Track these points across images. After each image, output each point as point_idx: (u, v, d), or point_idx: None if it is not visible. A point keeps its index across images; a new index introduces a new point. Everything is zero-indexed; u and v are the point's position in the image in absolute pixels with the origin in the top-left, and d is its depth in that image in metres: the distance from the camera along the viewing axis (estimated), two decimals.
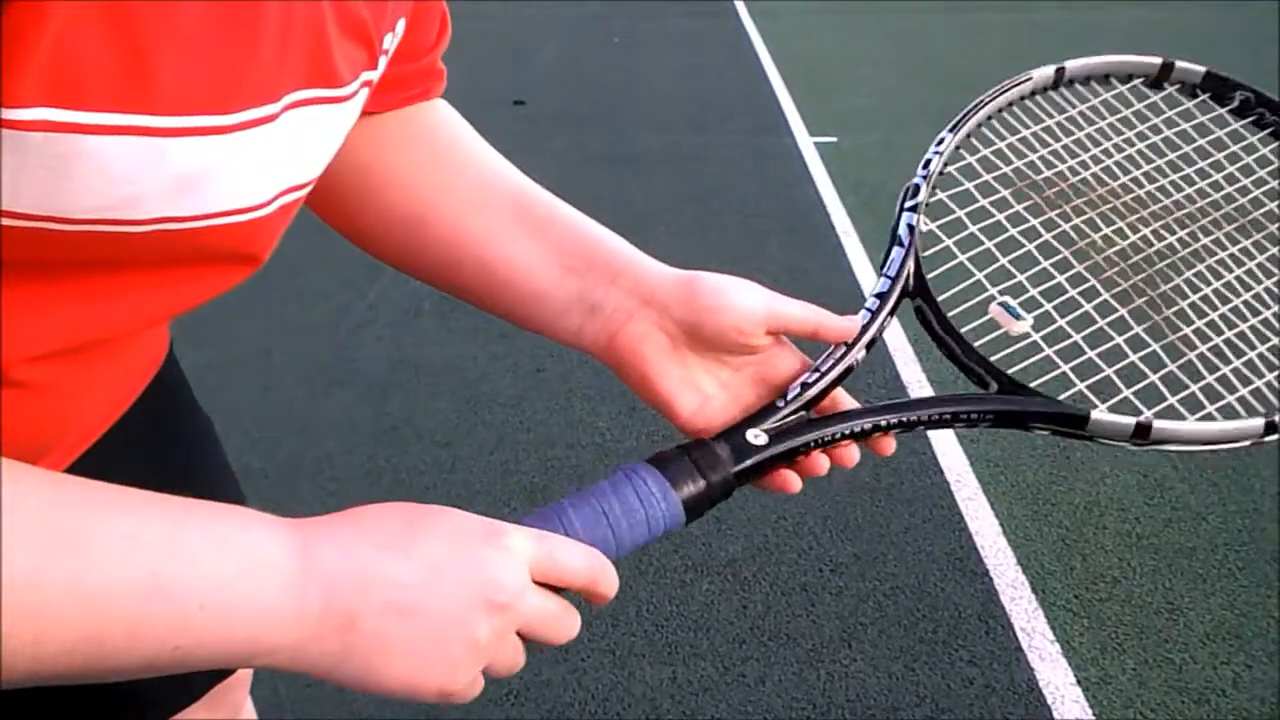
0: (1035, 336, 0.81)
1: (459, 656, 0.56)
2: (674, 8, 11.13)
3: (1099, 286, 0.90)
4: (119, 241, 0.51)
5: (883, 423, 0.72)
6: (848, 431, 0.71)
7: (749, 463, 0.69)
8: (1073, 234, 0.93)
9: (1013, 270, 0.88)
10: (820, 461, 0.73)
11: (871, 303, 0.78)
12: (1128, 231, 0.92)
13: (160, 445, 0.85)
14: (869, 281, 4.06)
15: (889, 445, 0.74)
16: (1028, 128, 0.94)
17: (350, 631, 0.54)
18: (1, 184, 0.46)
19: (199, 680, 0.94)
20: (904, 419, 0.72)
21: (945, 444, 2.96)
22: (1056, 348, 0.84)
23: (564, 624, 0.60)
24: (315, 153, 0.60)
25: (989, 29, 9.58)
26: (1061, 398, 0.77)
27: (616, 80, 7.93)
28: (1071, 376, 0.83)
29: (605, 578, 0.62)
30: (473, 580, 0.56)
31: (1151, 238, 0.92)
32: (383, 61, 0.65)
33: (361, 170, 0.76)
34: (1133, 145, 0.97)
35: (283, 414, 3.18)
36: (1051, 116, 0.95)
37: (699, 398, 0.73)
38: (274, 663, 0.53)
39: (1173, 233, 0.92)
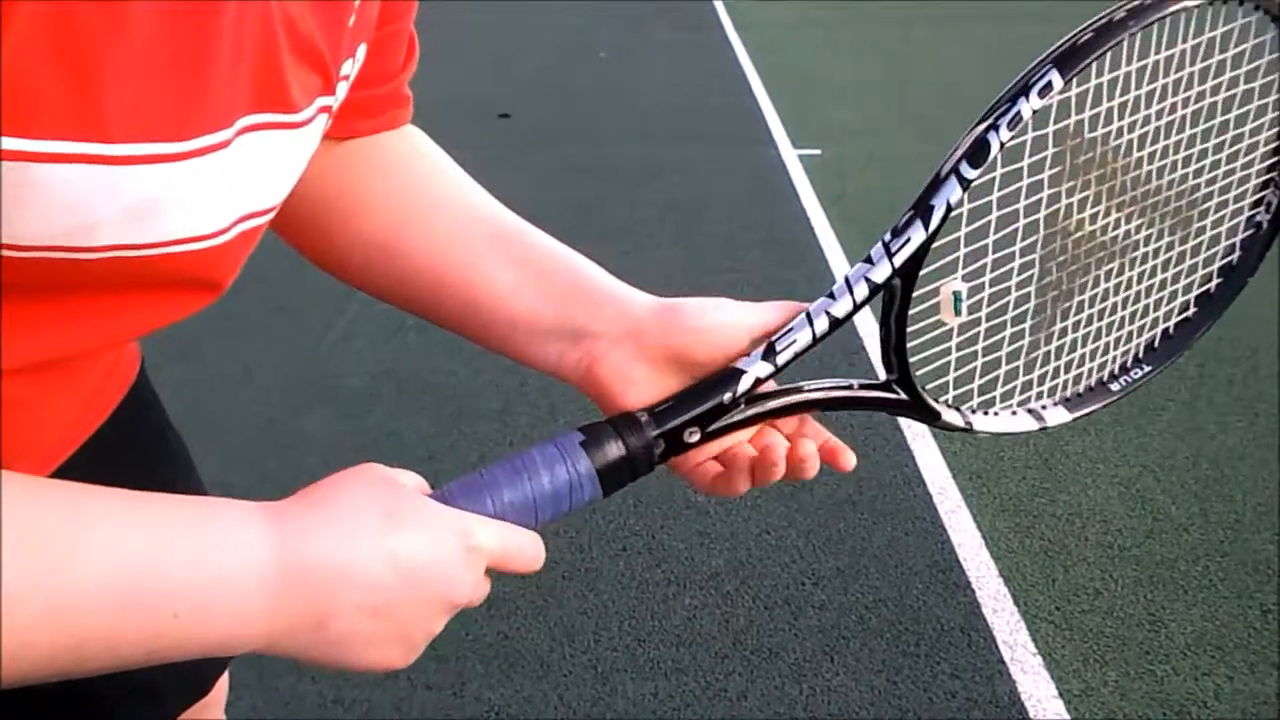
0: (954, 325, 0.78)
1: (414, 643, 0.60)
2: (659, 21, 11.16)
3: (1035, 276, 0.84)
4: (74, 268, 0.51)
5: (784, 404, 0.72)
6: (748, 415, 0.71)
7: (673, 449, 0.70)
8: (1063, 214, 0.84)
9: (988, 250, 0.79)
10: (736, 450, 0.72)
11: (858, 279, 0.72)
12: (1106, 215, 0.85)
13: (131, 466, 0.84)
14: None
15: (848, 459, 0.74)
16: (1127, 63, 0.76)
17: (322, 628, 0.56)
18: None
19: (171, 701, 0.94)
20: (795, 402, 0.73)
21: (928, 456, 2.97)
22: (962, 338, 0.81)
23: (484, 595, 0.64)
24: (272, 179, 0.59)
25: (973, 42, 9.63)
26: (932, 386, 0.79)
27: (601, 93, 7.95)
28: (952, 367, 0.81)
29: (540, 562, 0.65)
30: (441, 582, 0.59)
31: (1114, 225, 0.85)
32: (342, 87, 0.64)
33: (334, 199, 0.76)
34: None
35: (264, 430, 3.16)
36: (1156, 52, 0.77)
37: None
38: (247, 651, 0.55)
39: (1132, 221, 0.85)
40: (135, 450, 0.85)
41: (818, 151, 6.11)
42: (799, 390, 0.73)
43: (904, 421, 3.13)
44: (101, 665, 0.51)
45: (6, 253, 0.49)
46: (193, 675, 0.96)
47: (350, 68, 0.64)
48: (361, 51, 0.65)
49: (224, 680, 1.04)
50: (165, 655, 0.53)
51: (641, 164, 5.97)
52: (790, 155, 6.09)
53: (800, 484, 2.84)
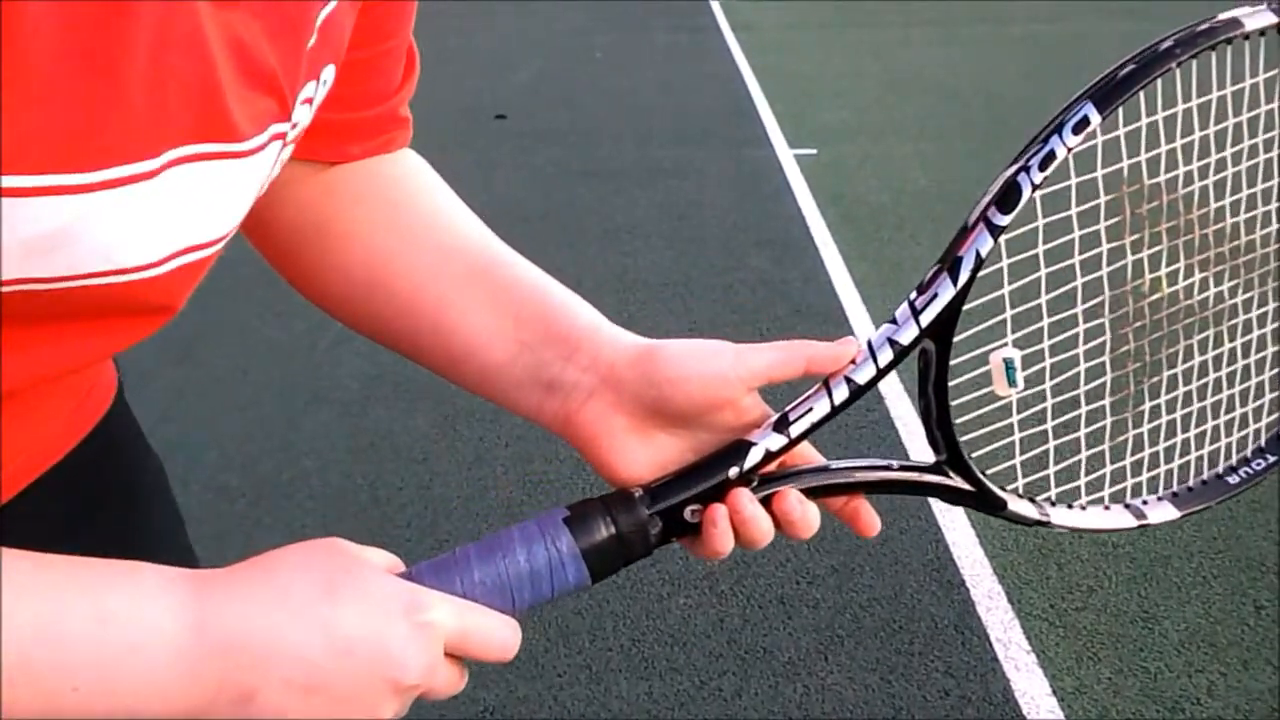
0: (1012, 398, 0.68)
1: None
2: (656, 22, 11.17)
3: (1108, 343, 0.73)
4: None
5: (809, 485, 0.65)
6: (767, 494, 0.64)
7: (673, 530, 0.64)
8: (1131, 271, 0.73)
9: (1043, 312, 0.69)
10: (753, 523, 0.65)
11: (881, 342, 0.65)
12: (1186, 275, 0.74)
13: (102, 499, 0.79)
14: (848, 294, 4.08)
15: (871, 522, 0.67)
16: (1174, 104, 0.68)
17: (246, 704, 0.52)
18: None
19: None
20: (831, 483, 0.65)
21: (921, 456, 2.97)
22: (1025, 414, 0.71)
23: (459, 689, 0.58)
24: (215, 210, 0.56)
25: (968, 42, 9.63)
26: (995, 470, 0.69)
27: (598, 94, 7.95)
28: (1017, 449, 0.71)
29: (514, 650, 0.59)
30: (384, 661, 0.54)
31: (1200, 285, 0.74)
32: (304, 111, 0.60)
33: (320, 227, 0.73)
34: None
35: (260, 431, 3.16)
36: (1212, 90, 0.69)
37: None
38: None
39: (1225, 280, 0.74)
40: (105, 480, 0.80)
41: (814, 152, 6.11)
42: (828, 470, 0.65)
43: (897, 419, 3.14)
44: None
45: None
46: None
47: (315, 90, 0.61)
48: (329, 73, 0.62)
49: None
50: None
51: (638, 164, 5.97)
52: (787, 156, 6.09)
53: None
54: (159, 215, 0.52)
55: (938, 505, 2.75)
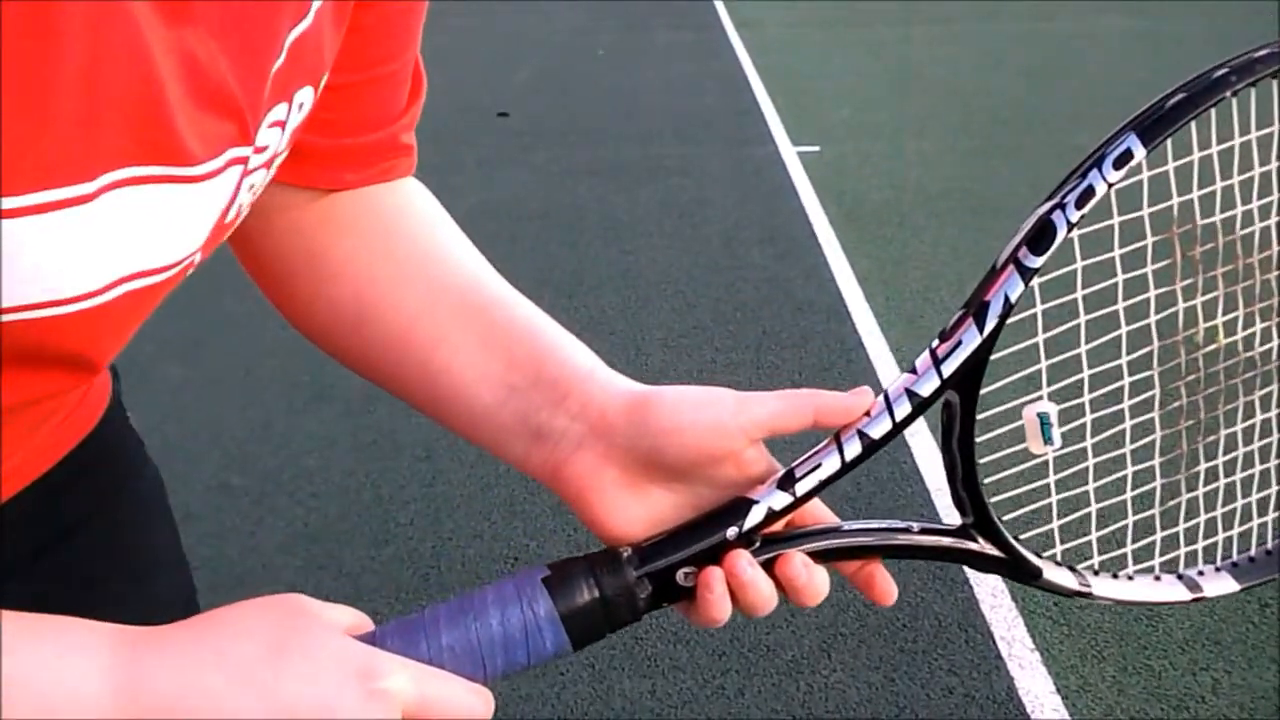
0: (1048, 456, 0.63)
1: None
2: (659, 21, 11.16)
3: (1157, 399, 0.67)
4: None
5: (819, 547, 0.60)
6: (771, 556, 0.60)
7: (664, 594, 0.59)
8: (1183, 320, 0.66)
9: (1083, 363, 0.64)
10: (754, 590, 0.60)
11: (899, 394, 0.60)
12: (1246, 325, 0.67)
13: (96, 506, 0.77)
14: (850, 290, 4.07)
15: (887, 590, 0.63)
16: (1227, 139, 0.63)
17: None
18: None
19: None
20: (843, 545, 0.61)
21: (925, 453, 2.96)
22: (1063, 474, 0.65)
23: None
24: (163, 236, 0.52)
25: (970, 40, 9.62)
26: (1028, 536, 0.65)
27: (600, 92, 7.95)
28: (1054, 513, 0.66)
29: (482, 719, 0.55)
30: None
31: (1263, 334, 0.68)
32: (273, 135, 0.57)
33: (316, 257, 0.70)
34: None
35: (263, 430, 3.16)
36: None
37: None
38: None
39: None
40: (101, 487, 0.78)
41: (816, 149, 6.11)
42: (840, 532, 0.61)
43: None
44: None
45: None
46: None
47: (286, 113, 0.57)
48: (305, 95, 0.59)
49: None
50: None
51: (640, 162, 5.97)
52: (789, 153, 6.09)
53: None
54: (98, 241, 0.49)
55: (941, 504, 2.74)
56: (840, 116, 6.98)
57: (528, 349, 0.66)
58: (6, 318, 0.47)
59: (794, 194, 5.35)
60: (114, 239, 0.49)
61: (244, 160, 0.55)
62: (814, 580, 0.60)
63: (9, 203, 0.44)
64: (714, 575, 0.59)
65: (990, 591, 2.42)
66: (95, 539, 0.76)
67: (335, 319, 0.71)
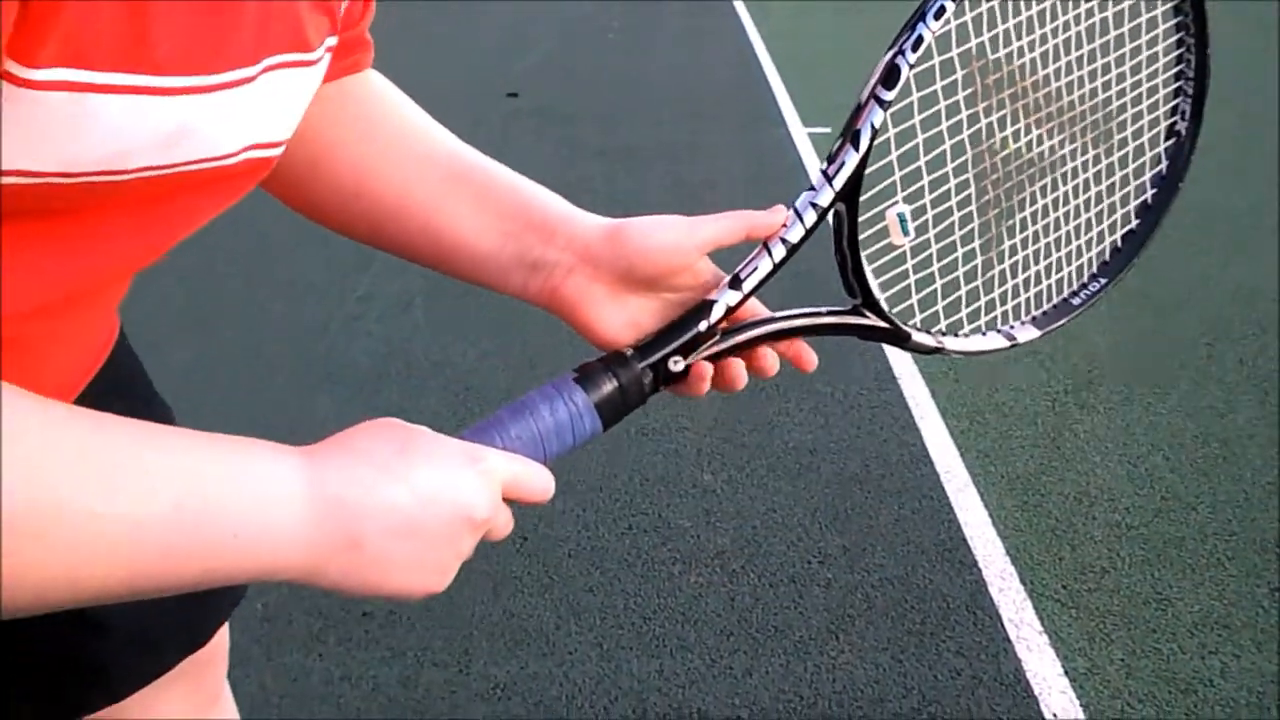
0: (905, 246, 0.83)
1: (446, 565, 0.64)
2: (671, 3, 11.10)
3: (973, 195, 0.90)
4: (108, 191, 0.56)
5: (759, 333, 0.78)
6: (728, 345, 0.77)
7: (661, 379, 0.76)
8: (985, 133, 0.90)
9: (923, 172, 0.85)
10: (729, 369, 0.78)
11: (805, 205, 0.79)
12: (1026, 133, 0.91)
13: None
14: None
15: (809, 359, 0.81)
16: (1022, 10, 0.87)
17: (355, 551, 0.60)
18: (3, 142, 0.50)
19: (168, 651, 0.94)
20: (775, 329, 0.79)
21: (936, 435, 2.96)
22: (916, 260, 0.85)
23: (510, 530, 0.69)
24: (283, 114, 0.65)
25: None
26: (898, 310, 0.84)
27: (611, 73, 7.92)
28: (913, 290, 0.86)
29: (551, 492, 0.70)
30: (459, 503, 0.63)
31: (1036, 141, 0.92)
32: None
33: (299, 146, 0.79)
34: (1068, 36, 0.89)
35: (272, 410, 3.17)
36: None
37: (638, 333, 0.79)
38: (286, 579, 0.59)
39: (1055, 135, 0.92)
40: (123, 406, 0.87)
41: (828, 130, 6.08)
42: (773, 320, 0.79)
43: (910, 399, 3.13)
44: (159, 587, 0.55)
45: (58, 180, 0.53)
46: (191, 625, 0.97)
47: (340, 9, 0.70)
48: None
49: (224, 638, 1.04)
50: (218, 576, 0.56)
51: (651, 144, 5.95)
52: (800, 134, 6.06)
53: (807, 462, 2.84)
54: (247, 114, 0.60)
55: (950, 486, 2.74)
56: (852, 97, 6.91)
57: (513, 201, 0.81)
58: (174, 170, 0.58)
59: (805, 175, 5.32)
60: (256, 114, 0.61)
61: (333, 49, 0.69)
62: (767, 358, 0.79)
63: (206, 80, 0.55)
64: (704, 367, 0.77)
65: (998, 574, 2.41)
66: None
67: (336, 195, 0.82)
